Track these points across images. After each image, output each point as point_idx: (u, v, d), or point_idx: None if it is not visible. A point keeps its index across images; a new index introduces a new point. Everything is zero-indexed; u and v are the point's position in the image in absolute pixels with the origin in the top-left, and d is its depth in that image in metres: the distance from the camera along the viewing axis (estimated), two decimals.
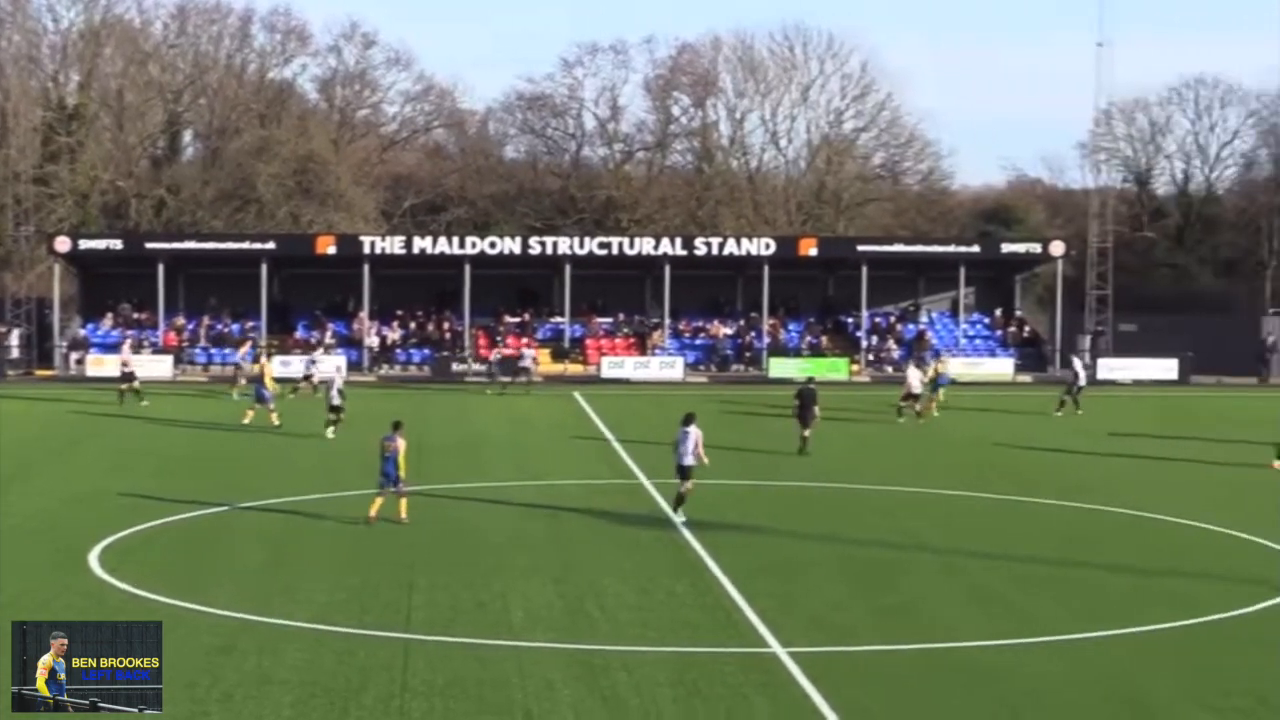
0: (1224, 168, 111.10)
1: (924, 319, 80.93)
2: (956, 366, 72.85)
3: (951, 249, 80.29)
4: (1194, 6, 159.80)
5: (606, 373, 70.85)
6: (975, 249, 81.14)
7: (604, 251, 76.12)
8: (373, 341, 74.80)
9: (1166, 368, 73.18)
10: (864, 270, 76.47)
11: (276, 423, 48.44)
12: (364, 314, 75.06)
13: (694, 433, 32.27)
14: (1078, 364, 59.56)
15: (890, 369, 76.15)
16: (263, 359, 58.36)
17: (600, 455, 43.91)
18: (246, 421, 49.11)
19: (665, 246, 76.06)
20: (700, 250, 76.29)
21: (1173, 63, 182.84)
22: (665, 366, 72.89)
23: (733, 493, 36.33)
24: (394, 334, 76.08)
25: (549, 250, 76.03)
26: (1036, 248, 79.56)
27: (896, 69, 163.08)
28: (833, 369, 72.64)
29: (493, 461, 42.35)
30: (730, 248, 76.68)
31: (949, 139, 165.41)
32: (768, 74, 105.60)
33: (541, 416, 54.21)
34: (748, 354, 76.57)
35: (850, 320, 79.58)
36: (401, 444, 31.60)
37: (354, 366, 71.79)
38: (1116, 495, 36.61)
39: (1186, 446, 47.84)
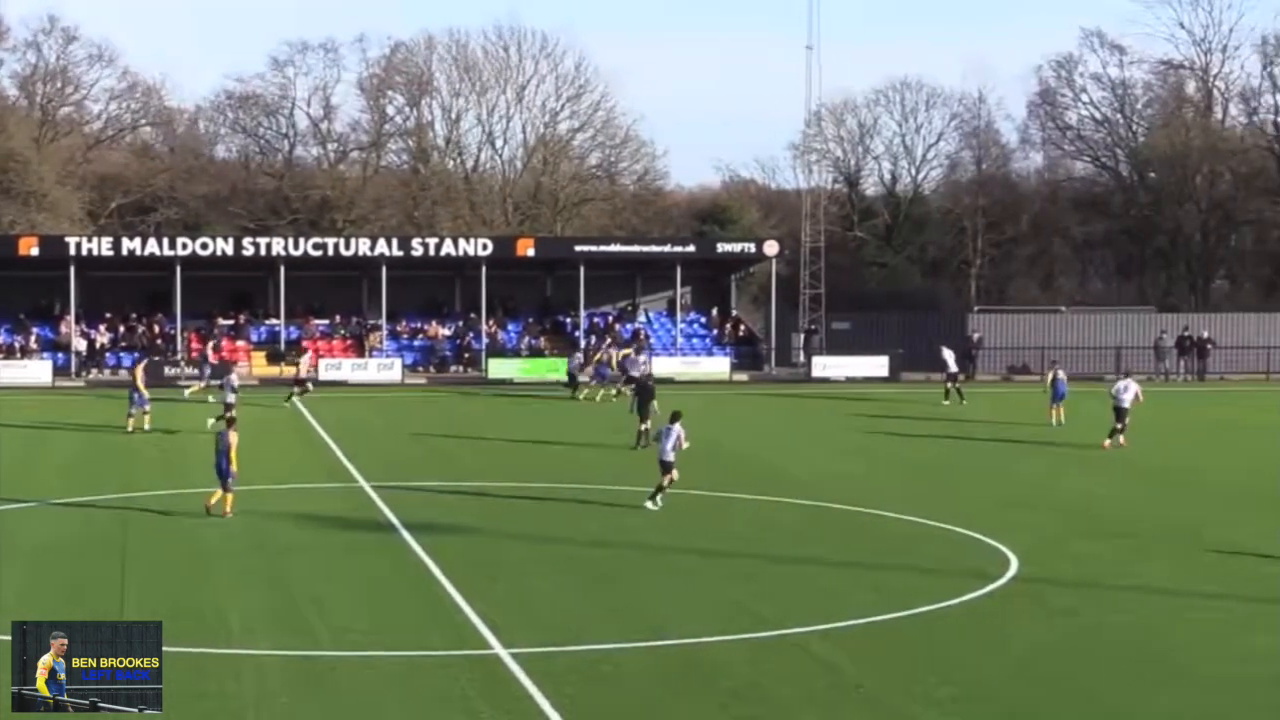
0: (930, 168, 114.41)
1: (641, 318, 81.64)
2: (675, 365, 73.88)
3: (668, 249, 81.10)
4: (899, 10, 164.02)
5: (324, 375, 70.06)
6: (691, 249, 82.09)
7: (319, 252, 75.21)
8: (80, 345, 72.86)
9: (878, 365, 74.95)
10: (582, 270, 76.85)
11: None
12: (70, 317, 73.07)
13: (677, 429, 34.10)
14: (948, 354, 61.03)
15: (607, 369, 76.64)
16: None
17: (318, 459, 43.42)
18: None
19: (382, 247, 75.50)
20: (417, 251, 75.88)
21: (880, 65, 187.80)
22: (383, 368, 72.36)
23: (453, 495, 36.24)
24: (102, 337, 74.16)
25: (263, 251, 74.86)
26: (751, 247, 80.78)
27: (610, 69, 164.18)
28: (552, 369, 72.85)
29: (203, 467, 41.46)
30: (448, 248, 76.41)
31: (664, 140, 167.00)
32: (483, 74, 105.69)
33: (256, 420, 53.32)
34: (466, 355, 76.43)
35: (569, 320, 79.91)
36: (233, 438, 32.24)
37: (61, 371, 69.93)
38: (830, 491, 37.34)
39: (899, 442, 49.10)
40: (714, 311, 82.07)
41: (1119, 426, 46.84)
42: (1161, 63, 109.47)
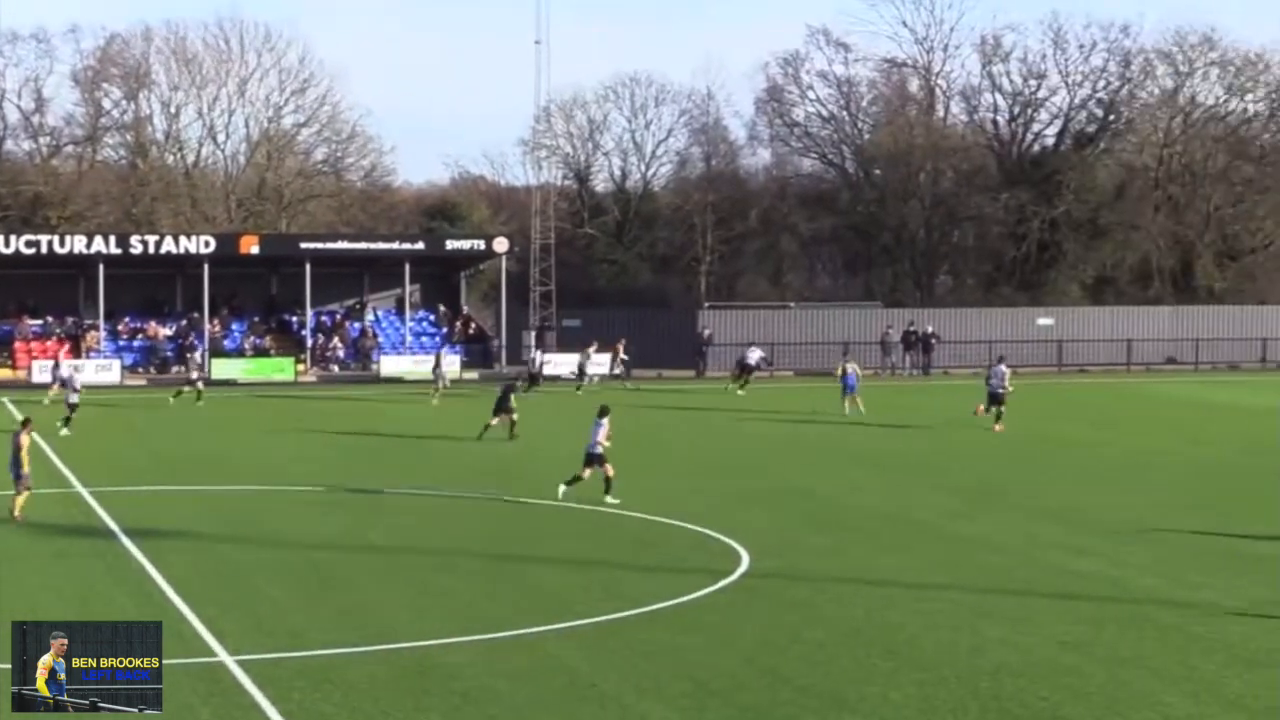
0: (660, 165, 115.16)
1: (370, 317, 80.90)
2: (404, 364, 73.28)
3: (396, 246, 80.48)
4: (629, 5, 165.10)
5: (37, 377, 67.96)
6: (420, 246, 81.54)
7: (32, 250, 72.95)
8: None
9: (608, 361, 75.06)
10: (308, 268, 75.86)
11: None
12: None
13: (605, 424, 35.17)
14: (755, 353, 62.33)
15: (336, 368, 75.93)
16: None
17: (31, 464, 42.01)
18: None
19: (99, 245, 73.56)
20: (136, 248, 74.13)
21: (610, 60, 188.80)
22: (101, 369, 70.47)
23: (177, 499, 35.46)
24: None
25: None
26: (480, 244, 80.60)
27: (336, 63, 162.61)
28: (278, 369, 71.84)
29: None
30: (168, 246, 74.79)
31: (391, 135, 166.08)
32: (203, 66, 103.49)
33: None
34: (188, 355, 74.82)
35: (295, 319, 78.84)
36: (25, 440, 32.20)
37: None
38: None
39: (632, 439, 49.41)
40: (442, 309, 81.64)
41: (999, 411, 50.42)
42: (885, 61, 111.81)
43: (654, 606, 24.60)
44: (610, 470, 34.97)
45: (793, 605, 24.93)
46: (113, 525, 31.43)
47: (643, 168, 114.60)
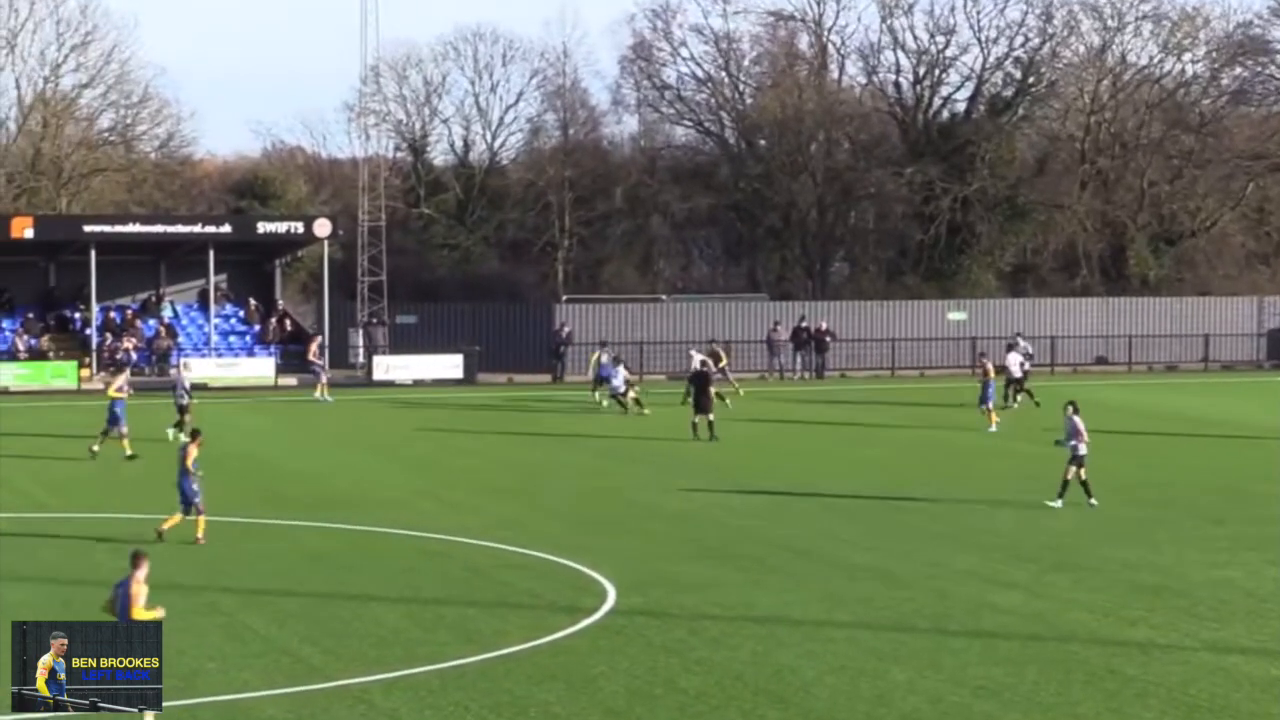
0: (508, 134, 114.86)
1: (168, 313, 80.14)
2: (209, 368, 72.61)
3: (198, 229, 79.68)
4: None
5: None
6: (226, 229, 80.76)
7: None
8: None
9: (451, 365, 74.92)
10: (93, 255, 75.04)
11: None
12: None
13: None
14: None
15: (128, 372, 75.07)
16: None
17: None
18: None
19: None
20: None
21: (448, 12, 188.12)
22: None
23: None
24: None
25: None
26: (299, 227, 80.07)
27: (124, 13, 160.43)
28: (58, 375, 70.95)
29: None
30: None
31: (192, 100, 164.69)
32: None
33: None
34: None
35: (78, 315, 77.96)
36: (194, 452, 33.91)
37: None
38: (395, 514, 37.24)
39: (476, 455, 49.34)
40: (254, 303, 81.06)
41: (1019, 391, 61.18)
42: (770, 13, 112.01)
43: (505, 650, 24.56)
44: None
45: (666, 648, 24.97)
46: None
47: (489, 138, 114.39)
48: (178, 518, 33.65)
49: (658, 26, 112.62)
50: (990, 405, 55.48)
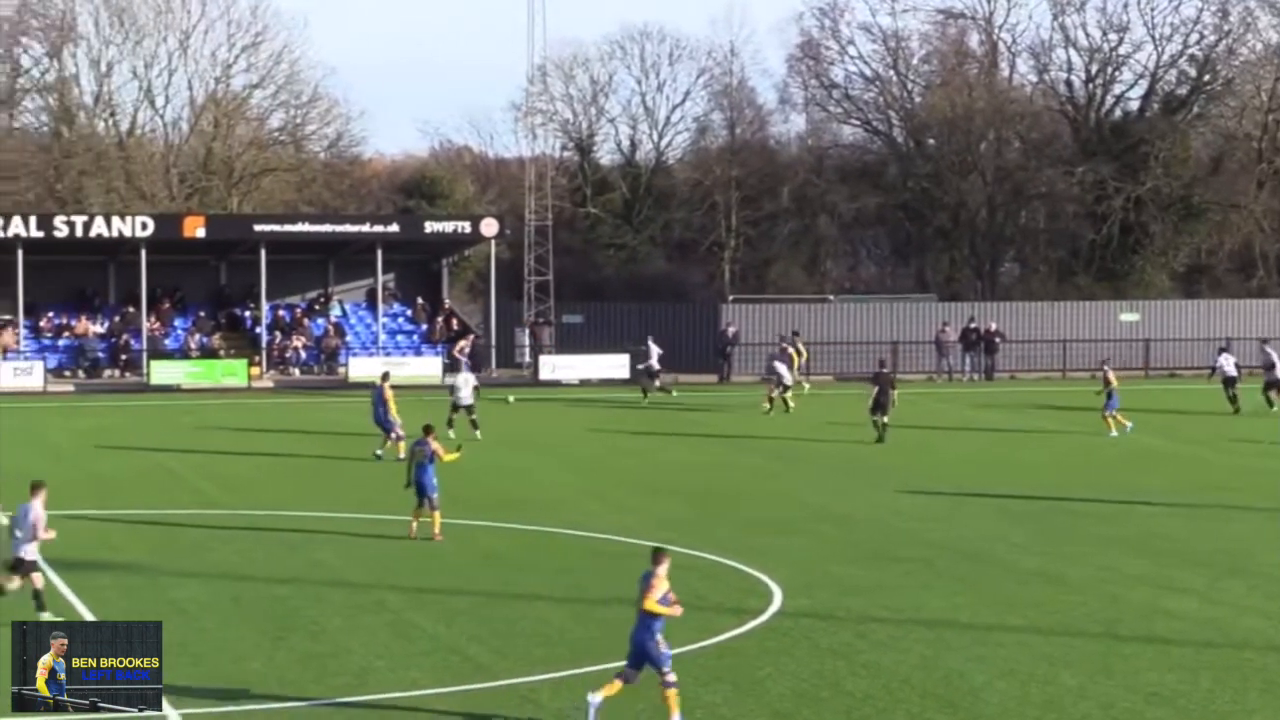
0: (675, 133, 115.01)
1: (336, 312, 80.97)
2: (376, 366, 73.11)
3: (367, 228, 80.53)
4: None
5: None
6: (394, 228, 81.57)
7: None
8: None
9: (617, 365, 75.00)
10: (263, 254, 75.94)
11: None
12: None
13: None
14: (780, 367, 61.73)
15: (297, 371, 75.99)
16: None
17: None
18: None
19: (17, 227, 73.66)
20: (61, 231, 74.26)
21: (615, 11, 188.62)
22: (21, 374, 70.51)
23: (104, 525, 35.52)
24: None
25: None
26: (466, 226, 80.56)
27: (294, 13, 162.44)
28: (229, 373, 71.85)
29: None
30: (99, 228, 74.90)
31: (360, 99, 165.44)
32: (138, 18, 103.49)
33: None
34: (124, 356, 74.97)
35: (248, 314, 78.93)
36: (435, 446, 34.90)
37: None
38: (562, 514, 37.44)
39: (642, 456, 49.46)
40: (421, 302, 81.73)
41: (1235, 394, 60.83)
42: (939, 11, 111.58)
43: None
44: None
45: (832, 650, 24.94)
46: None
47: (655, 137, 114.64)
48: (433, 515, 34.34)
49: (825, 25, 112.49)
50: (1113, 410, 54.41)
